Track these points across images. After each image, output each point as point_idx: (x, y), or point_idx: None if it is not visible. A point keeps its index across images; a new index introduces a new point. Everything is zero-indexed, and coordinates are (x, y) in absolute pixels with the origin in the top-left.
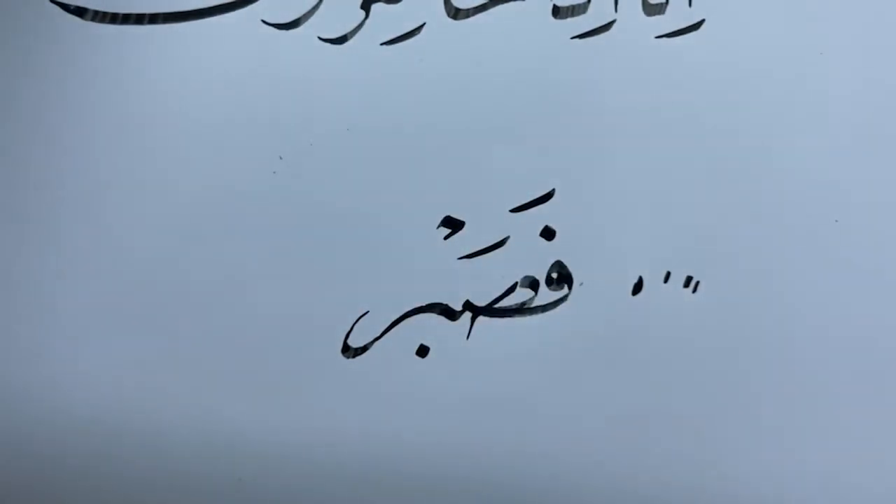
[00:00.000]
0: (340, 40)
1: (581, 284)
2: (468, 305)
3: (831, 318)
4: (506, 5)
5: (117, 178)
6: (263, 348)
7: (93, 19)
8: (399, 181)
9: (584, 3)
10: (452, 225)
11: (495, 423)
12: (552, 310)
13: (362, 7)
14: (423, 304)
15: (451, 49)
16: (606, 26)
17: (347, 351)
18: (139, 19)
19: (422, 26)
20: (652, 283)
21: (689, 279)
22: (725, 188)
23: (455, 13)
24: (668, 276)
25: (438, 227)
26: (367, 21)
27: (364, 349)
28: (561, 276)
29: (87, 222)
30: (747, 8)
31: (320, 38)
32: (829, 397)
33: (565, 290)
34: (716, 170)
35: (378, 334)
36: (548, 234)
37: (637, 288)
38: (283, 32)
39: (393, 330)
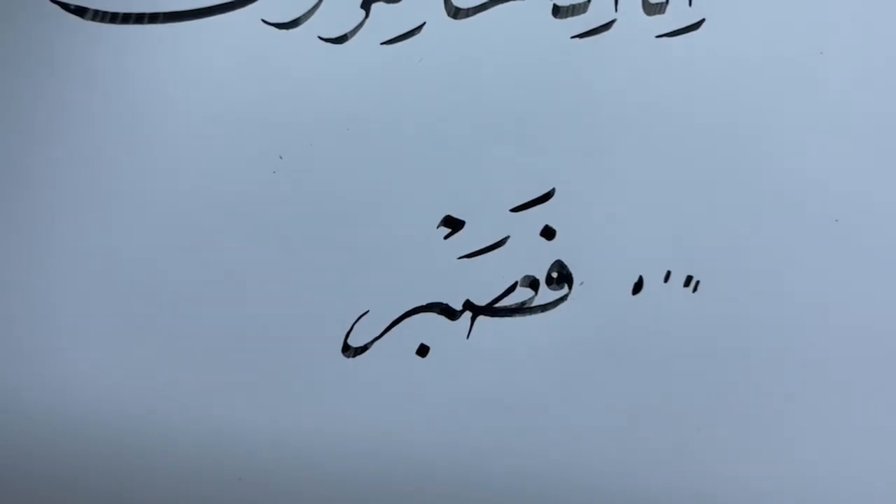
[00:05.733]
0: (340, 40)
1: (581, 284)
2: (468, 305)
3: (831, 318)
4: (506, 5)
5: (117, 178)
6: (263, 348)
7: (93, 19)
8: (399, 181)
9: (584, 3)
10: (452, 225)
11: (495, 422)
12: (552, 309)
13: (362, 7)
14: (423, 304)
15: (451, 49)
16: (606, 26)
17: (347, 351)
18: (139, 19)
19: (422, 26)
20: (652, 283)
21: (689, 279)
22: (725, 188)
23: (455, 13)
24: (668, 276)
25: (438, 226)
26: (367, 21)
27: (364, 349)
28: (561, 276)
29: (87, 222)
30: (747, 8)
31: (320, 38)
32: (830, 397)
33: (565, 289)
34: (716, 169)
35: (378, 334)
36: (548, 233)
37: (637, 288)
38: (283, 32)
39: (393, 330)
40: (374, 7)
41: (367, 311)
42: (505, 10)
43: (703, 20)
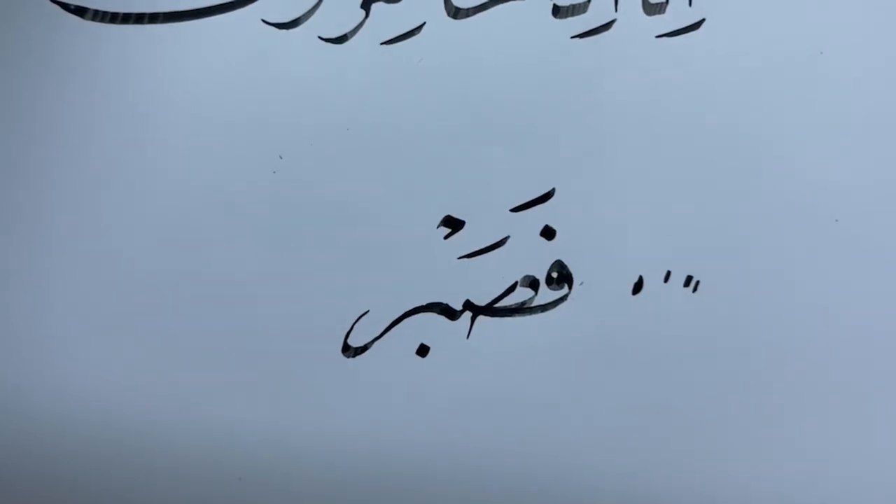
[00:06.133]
0: (340, 40)
1: (581, 284)
2: (468, 305)
3: (831, 318)
4: (506, 5)
5: (117, 178)
6: (263, 348)
7: (93, 19)
8: (399, 181)
9: (584, 3)
10: (452, 225)
11: (495, 422)
12: (552, 309)
13: (362, 6)
14: (423, 304)
15: (451, 49)
16: (606, 25)
17: (347, 351)
18: (139, 19)
19: (422, 26)
20: (652, 283)
21: (689, 279)
22: (725, 188)
23: (455, 13)
24: (668, 276)
25: (438, 226)
26: (367, 21)
27: (364, 349)
28: (561, 276)
29: (87, 222)
30: (747, 8)
31: (320, 38)
32: (830, 397)
33: (565, 289)
34: (716, 169)
35: (378, 334)
36: (548, 233)
37: (637, 288)
38: (283, 32)
39: (393, 330)
40: (374, 7)
41: (367, 311)
42: (505, 10)
43: (703, 20)
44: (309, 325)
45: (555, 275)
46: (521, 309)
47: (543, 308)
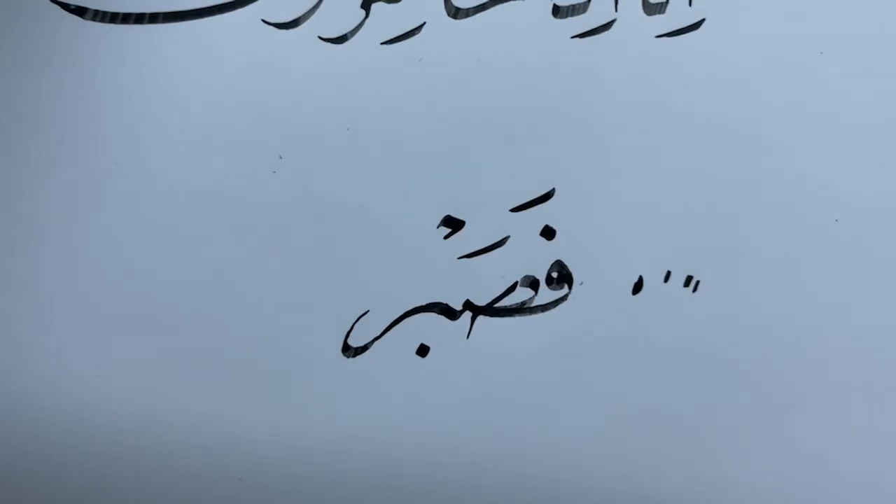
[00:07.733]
0: (340, 40)
1: (581, 284)
2: (468, 305)
3: (831, 318)
4: (506, 4)
5: (116, 178)
6: (263, 348)
7: (93, 19)
8: (399, 181)
9: (584, 3)
10: (452, 225)
11: (495, 422)
12: (552, 309)
13: (362, 6)
14: (423, 304)
15: (451, 49)
16: (606, 25)
17: (347, 351)
18: (139, 19)
19: (422, 26)
20: (652, 283)
21: (689, 279)
22: (725, 188)
23: (455, 13)
24: (668, 276)
25: (438, 226)
26: (367, 21)
27: (364, 349)
28: (561, 276)
29: (87, 222)
30: (747, 8)
31: (320, 38)
32: (829, 398)
33: (565, 289)
34: (716, 169)
35: (378, 334)
36: (548, 233)
37: (637, 288)
38: (283, 32)
39: (393, 330)
40: (374, 7)
41: (367, 311)
42: (505, 10)
43: (703, 20)
44: (309, 325)
45: (555, 275)
46: (521, 309)
47: (543, 308)
